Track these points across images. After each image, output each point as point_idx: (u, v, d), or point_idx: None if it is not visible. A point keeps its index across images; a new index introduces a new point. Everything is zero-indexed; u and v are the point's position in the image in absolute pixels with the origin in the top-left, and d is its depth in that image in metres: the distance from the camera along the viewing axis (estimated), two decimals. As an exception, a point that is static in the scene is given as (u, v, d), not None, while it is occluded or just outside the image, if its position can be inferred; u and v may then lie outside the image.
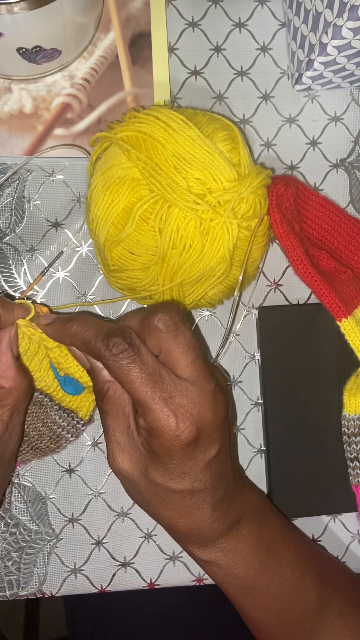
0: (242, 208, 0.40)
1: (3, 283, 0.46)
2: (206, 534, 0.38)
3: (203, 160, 0.39)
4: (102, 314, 0.46)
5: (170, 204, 0.38)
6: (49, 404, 0.41)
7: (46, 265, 0.46)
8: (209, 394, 0.35)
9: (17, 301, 0.38)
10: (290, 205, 0.44)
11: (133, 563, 0.46)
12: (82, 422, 0.42)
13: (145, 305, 0.46)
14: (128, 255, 0.40)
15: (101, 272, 0.46)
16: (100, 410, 0.37)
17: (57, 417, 0.41)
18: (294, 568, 0.40)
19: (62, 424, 0.42)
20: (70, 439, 0.43)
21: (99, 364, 0.36)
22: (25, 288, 0.46)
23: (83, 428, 0.43)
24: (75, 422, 0.42)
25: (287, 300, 0.48)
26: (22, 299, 0.40)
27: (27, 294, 0.45)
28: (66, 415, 0.42)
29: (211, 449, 0.35)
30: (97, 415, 0.45)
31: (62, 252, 0.46)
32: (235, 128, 0.41)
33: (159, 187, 0.38)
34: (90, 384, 0.39)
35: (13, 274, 0.46)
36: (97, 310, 0.46)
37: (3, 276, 0.46)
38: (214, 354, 0.47)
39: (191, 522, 0.37)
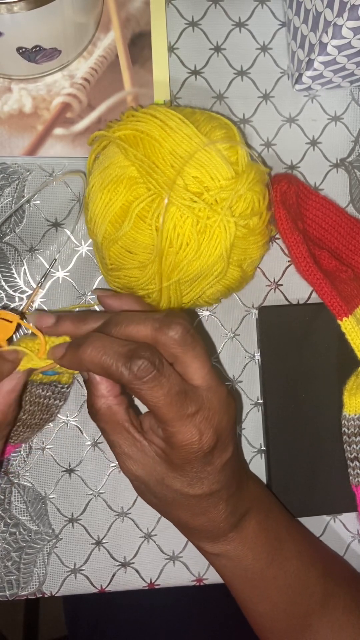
0: (240, 206, 0.39)
1: (3, 283, 0.46)
2: (220, 528, 0.38)
3: (200, 159, 0.39)
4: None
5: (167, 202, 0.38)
6: (31, 383, 0.41)
7: (47, 265, 0.46)
8: (224, 399, 0.35)
9: (11, 347, 0.36)
10: (293, 203, 0.44)
11: (133, 563, 0.46)
12: (66, 386, 0.42)
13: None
14: (125, 254, 0.40)
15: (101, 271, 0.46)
16: (97, 424, 0.36)
17: (41, 391, 0.42)
18: (300, 561, 0.41)
19: (48, 394, 0.42)
20: (60, 404, 0.43)
21: (97, 378, 0.35)
22: (24, 288, 0.46)
23: (68, 390, 0.43)
24: (60, 388, 0.42)
25: (287, 300, 0.48)
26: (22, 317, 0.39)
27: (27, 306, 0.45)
28: (49, 386, 0.42)
29: (227, 452, 0.36)
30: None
31: (55, 261, 0.46)
32: (233, 126, 0.41)
33: (155, 185, 0.38)
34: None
35: (13, 274, 0.46)
36: (97, 309, 0.46)
37: (3, 276, 0.46)
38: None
39: (207, 519, 0.38)
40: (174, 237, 0.38)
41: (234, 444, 0.37)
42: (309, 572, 0.41)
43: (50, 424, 0.45)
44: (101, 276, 0.46)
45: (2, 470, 0.44)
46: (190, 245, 0.39)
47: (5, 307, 0.46)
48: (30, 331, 0.37)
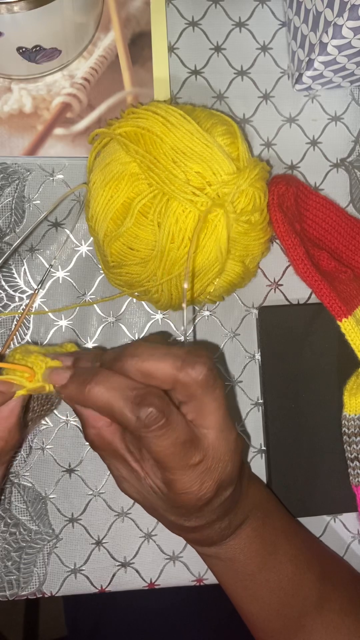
0: (242, 202, 0.39)
1: (3, 283, 0.46)
2: (213, 541, 0.39)
3: (202, 154, 0.38)
4: (102, 314, 0.46)
5: (169, 197, 0.38)
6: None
7: (47, 265, 0.46)
8: (232, 444, 0.34)
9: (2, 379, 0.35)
10: (291, 205, 0.44)
11: (133, 563, 0.46)
12: None
13: (144, 302, 0.46)
14: (127, 251, 0.40)
15: (101, 271, 0.46)
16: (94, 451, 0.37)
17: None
18: (295, 565, 0.41)
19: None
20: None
21: (84, 409, 0.34)
22: (24, 287, 0.46)
23: None
24: None
25: (287, 300, 0.48)
26: (6, 346, 0.39)
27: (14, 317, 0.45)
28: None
29: (227, 491, 0.35)
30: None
31: (53, 263, 0.46)
32: (233, 123, 0.41)
33: (157, 180, 0.38)
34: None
35: (13, 273, 0.46)
36: (96, 309, 0.46)
37: (3, 276, 0.46)
38: (213, 354, 0.47)
39: (200, 535, 0.38)
40: (175, 231, 0.38)
41: (236, 482, 0.36)
42: (304, 575, 0.40)
43: (50, 423, 0.45)
44: (101, 275, 0.46)
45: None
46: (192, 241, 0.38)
47: (5, 307, 0.46)
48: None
